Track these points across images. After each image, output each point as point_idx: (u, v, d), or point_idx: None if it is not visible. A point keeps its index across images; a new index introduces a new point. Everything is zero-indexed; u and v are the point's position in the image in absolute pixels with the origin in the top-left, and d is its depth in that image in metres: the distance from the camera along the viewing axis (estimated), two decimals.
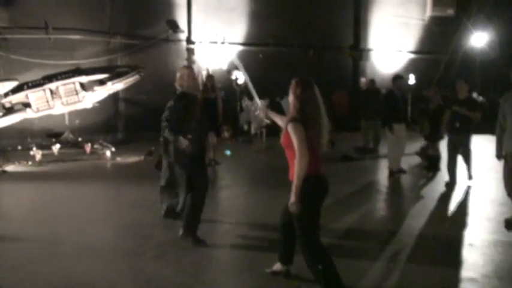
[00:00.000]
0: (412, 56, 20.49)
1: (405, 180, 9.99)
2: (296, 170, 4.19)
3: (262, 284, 4.83)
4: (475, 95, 19.50)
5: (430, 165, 10.57)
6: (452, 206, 8.04)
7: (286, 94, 15.44)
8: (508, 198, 6.93)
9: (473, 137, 9.21)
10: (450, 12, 20.31)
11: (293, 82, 4.45)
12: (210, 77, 11.76)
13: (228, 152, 11.37)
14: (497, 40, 19.29)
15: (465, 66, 19.35)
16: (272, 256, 5.13)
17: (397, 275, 5.09)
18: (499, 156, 6.75)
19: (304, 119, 4.28)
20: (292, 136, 4.24)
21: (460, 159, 9.20)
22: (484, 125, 17.80)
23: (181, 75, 6.48)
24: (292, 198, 4.20)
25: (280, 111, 16.55)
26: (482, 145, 11.78)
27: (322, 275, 4.29)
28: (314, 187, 4.30)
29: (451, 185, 9.04)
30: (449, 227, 6.86)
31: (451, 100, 9.45)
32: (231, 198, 8.88)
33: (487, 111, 18.89)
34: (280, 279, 4.85)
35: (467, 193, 8.78)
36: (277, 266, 4.90)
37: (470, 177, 9.31)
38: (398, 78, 10.56)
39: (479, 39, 19.58)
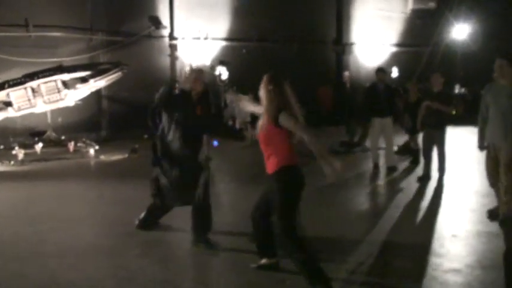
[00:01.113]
0: (394, 49, 20.62)
1: (390, 173, 10.02)
2: (316, 150, 4.29)
3: (249, 279, 4.82)
4: (457, 87, 19.74)
5: (413, 158, 10.64)
6: (435, 198, 8.08)
7: None
8: (490, 189, 6.99)
9: (457, 129, 9.24)
10: (432, 5, 20.48)
11: (265, 77, 4.56)
12: (198, 71, 11.67)
13: (215, 143, 11.33)
14: (479, 32, 19.45)
15: (447, 59, 19.50)
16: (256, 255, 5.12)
17: (381, 265, 5.12)
18: (481, 147, 6.79)
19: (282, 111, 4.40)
20: (288, 125, 4.35)
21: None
22: (466, 117, 18.03)
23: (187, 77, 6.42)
24: (332, 166, 4.27)
25: None
26: (466, 137, 11.88)
27: (307, 264, 4.32)
28: (297, 177, 4.50)
29: (424, 179, 9.02)
30: (432, 218, 6.90)
31: (426, 93, 9.42)
32: (217, 194, 8.84)
33: (469, 104, 19.12)
34: (266, 274, 4.84)
35: (449, 185, 8.84)
36: (264, 261, 4.89)
37: (442, 171, 9.13)
38: (380, 71, 10.54)
39: (460, 31, 19.76)
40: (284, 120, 4.36)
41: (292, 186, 4.48)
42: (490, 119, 6.51)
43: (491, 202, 7.15)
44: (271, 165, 4.50)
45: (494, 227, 6.38)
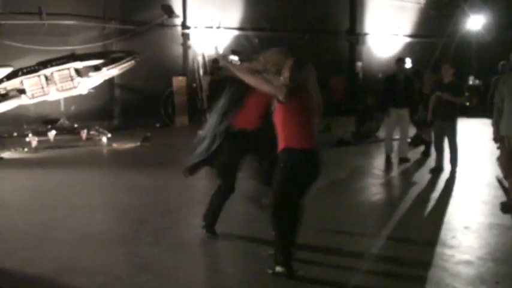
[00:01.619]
0: (408, 39, 20.44)
1: (402, 165, 9.97)
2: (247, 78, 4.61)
3: (261, 267, 4.84)
4: (471, 78, 19.54)
5: (425, 150, 10.57)
6: (447, 189, 8.04)
7: None
8: (504, 181, 6.95)
9: (470, 121, 9.16)
10: None
11: (290, 60, 4.57)
12: (215, 60, 11.70)
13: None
14: (494, 23, 19.23)
15: (461, 50, 19.31)
16: (264, 243, 5.15)
17: (392, 255, 5.11)
18: (496, 139, 6.73)
19: (294, 88, 4.40)
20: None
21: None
22: (480, 108, 17.86)
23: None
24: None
25: None
26: (479, 128, 11.79)
27: (279, 248, 4.50)
28: (296, 159, 4.41)
29: (437, 171, 8.98)
30: (444, 210, 6.87)
31: (437, 85, 9.32)
32: None
33: (482, 95, 18.95)
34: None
35: (461, 177, 8.79)
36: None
37: (454, 163, 9.07)
38: (400, 61, 10.36)
39: (475, 22, 19.53)
40: (277, 87, 4.44)
41: (289, 169, 4.42)
42: (506, 111, 6.45)
43: (504, 194, 7.12)
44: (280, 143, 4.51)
45: (507, 219, 6.35)
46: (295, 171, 4.43)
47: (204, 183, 8.88)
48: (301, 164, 4.43)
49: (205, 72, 15.16)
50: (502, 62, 11.47)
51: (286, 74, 4.45)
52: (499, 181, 7.92)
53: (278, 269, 4.51)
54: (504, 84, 6.55)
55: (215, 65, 11.39)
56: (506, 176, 6.77)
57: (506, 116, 6.45)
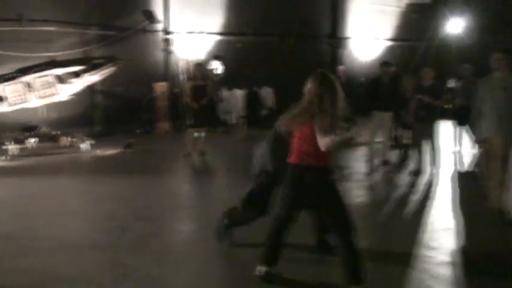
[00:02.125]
0: (389, 43, 20.60)
1: (384, 167, 10.02)
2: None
3: (244, 274, 4.84)
4: (452, 81, 19.72)
5: (404, 153, 10.62)
6: (428, 191, 8.11)
7: (265, 84, 15.60)
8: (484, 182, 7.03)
9: (450, 123, 9.26)
10: None
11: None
12: (198, 65, 11.67)
13: (203, 134, 11.32)
14: (473, 26, 19.46)
15: (442, 53, 19.50)
16: (250, 248, 5.15)
17: (372, 257, 5.13)
18: (477, 141, 6.81)
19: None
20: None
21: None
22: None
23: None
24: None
25: (258, 100, 16.60)
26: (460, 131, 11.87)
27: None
28: (292, 175, 4.50)
29: (418, 173, 9.07)
30: (424, 212, 6.92)
31: (417, 88, 9.42)
32: (209, 189, 8.87)
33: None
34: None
35: (442, 178, 8.87)
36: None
37: (435, 164, 9.20)
38: (385, 64, 10.42)
39: (455, 25, 19.75)
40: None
41: (288, 182, 4.52)
42: (486, 113, 6.54)
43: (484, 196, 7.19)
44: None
45: (487, 220, 6.42)
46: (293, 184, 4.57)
47: (186, 189, 8.89)
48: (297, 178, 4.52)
49: (188, 78, 15.12)
50: (465, 65, 11.62)
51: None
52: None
53: (261, 268, 4.57)
54: (484, 86, 6.64)
55: (198, 70, 11.36)
56: (487, 177, 6.84)
57: (487, 119, 6.53)
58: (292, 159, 4.51)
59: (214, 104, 11.67)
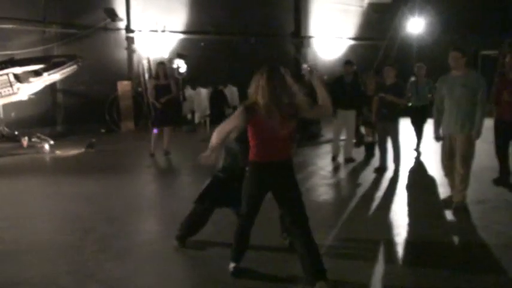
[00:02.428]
0: (352, 42, 20.84)
1: (348, 165, 10.13)
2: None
3: (209, 272, 4.83)
4: (412, 79, 20.09)
5: (367, 151, 10.75)
6: (391, 188, 8.23)
7: (229, 82, 15.57)
8: (445, 179, 7.19)
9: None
10: None
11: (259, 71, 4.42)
12: (161, 64, 11.57)
13: (154, 130, 11.25)
14: (433, 25, 19.85)
15: (403, 52, 19.84)
16: (215, 247, 5.14)
17: (339, 254, 5.19)
18: (437, 138, 6.96)
19: (252, 105, 4.31)
20: None
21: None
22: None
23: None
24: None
25: (223, 99, 16.57)
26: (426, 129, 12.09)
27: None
28: (253, 172, 4.46)
29: (381, 170, 9.22)
30: (387, 208, 7.03)
31: (379, 86, 9.57)
32: (174, 188, 8.81)
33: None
34: (226, 268, 4.84)
35: (405, 175, 9.03)
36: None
37: (397, 162, 9.30)
38: (348, 63, 10.50)
39: (416, 24, 20.10)
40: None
41: (248, 182, 4.50)
42: (446, 110, 6.69)
43: (446, 192, 7.35)
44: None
45: (448, 216, 6.56)
46: (254, 184, 4.58)
47: (150, 189, 8.81)
48: (257, 175, 4.52)
49: (150, 76, 14.99)
50: (418, 64, 11.87)
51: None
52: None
53: (232, 265, 4.68)
54: (443, 84, 6.78)
55: (160, 69, 11.27)
56: (446, 174, 7.00)
57: (447, 116, 6.69)
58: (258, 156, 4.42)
59: (177, 103, 11.60)
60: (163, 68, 11.32)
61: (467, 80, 6.54)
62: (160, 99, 10.85)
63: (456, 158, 6.63)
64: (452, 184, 6.93)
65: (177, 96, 11.38)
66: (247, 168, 4.49)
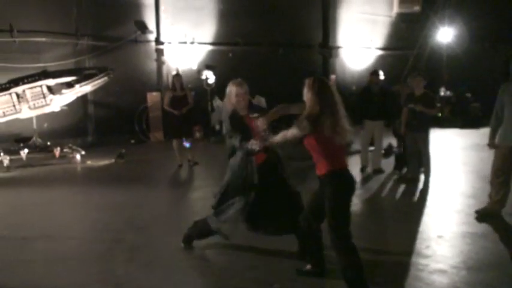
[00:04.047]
0: (380, 52, 20.72)
1: (377, 176, 10.05)
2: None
3: (236, 284, 4.83)
4: (442, 90, 19.88)
5: (397, 162, 10.61)
6: (421, 199, 8.13)
7: (257, 93, 15.58)
8: (475, 190, 7.08)
9: (442, 132, 9.29)
10: (416, 8, 20.62)
11: (308, 80, 4.47)
12: (177, 76, 11.71)
13: (187, 145, 11.31)
14: (463, 35, 19.63)
15: (432, 62, 19.65)
16: (247, 255, 5.15)
17: (367, 265, 5.13)
18: (491, 145, 6.86)
19: (317, 116, 4.32)
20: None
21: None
22: (451, 119, 18.19)
23: (229, 92, 5.55)
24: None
25: (251, 109, 16.61)
26: (450, 138, 11.96)
27: (357, 280, 4.40)
28: (339, 182, 4.44)
29: (411, 181, 9.11)
30: (418, 220, 6.94)
31: (408, 97, 9.47)
32: (202, 198, 8.83)
33: (454, 106, 19.28)
34: (254, 277, 4.85)
35: (435, 186, 8.90)
36: (309, 267, 4.95)
37: (427, 173, 9.22)
38: (374, 74, 10.47)
39: (445, 34, 19.91)
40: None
41: (336, 193, 4.43)
42: (506, 120, 6.60)
43: (477, 203, 7.23)
44: (318, 167, 4.51)
45: (480, 228, 6.45)
46: (345, 192, 4.60)
47: (179, 200, 8.87)
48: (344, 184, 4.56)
49: (167, 88, 14.89)
50: (414, 75, 11.55)
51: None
52: None
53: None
54: (504, 93, 6.69)
55: (177, 81, 11.35)
56: (492, 181, 6.87)
57: (505, 126, 6.60)
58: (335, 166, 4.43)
59: (194, 114, 11.60)
60: (179, 79, 11.42)
61: None
62: (178, 110, 10.93)
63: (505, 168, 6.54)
64: (493, 192, 6.81)
65: (193, 107, 11.39)
66: (322, 178, 4.47)
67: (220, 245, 5.74)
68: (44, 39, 14.49)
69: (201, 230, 5.60)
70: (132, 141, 15.71)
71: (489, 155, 7.07)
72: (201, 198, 8.90)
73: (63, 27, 15.13)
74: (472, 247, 5.75)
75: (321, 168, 4.43)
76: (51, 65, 13.87)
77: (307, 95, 4.41)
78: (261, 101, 16.56)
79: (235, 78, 5.64)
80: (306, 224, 4.77)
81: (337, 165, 4.42)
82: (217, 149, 14.40)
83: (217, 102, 16.17)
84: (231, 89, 5.45)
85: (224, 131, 5.54)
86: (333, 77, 18.14)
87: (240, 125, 5.33)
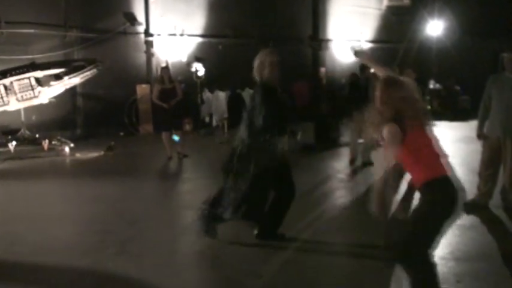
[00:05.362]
0: (370, 45, 20.75)
1: (366, 169, 10.06)
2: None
3: (227, 275, 4.84)
4: (432, 82, 19.99)
5: None
6: (410, 192, 8.14)
7: (247, 85, 15.54)
8: (464, 182, 7.09)
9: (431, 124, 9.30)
10: (406, 1, 20.69)
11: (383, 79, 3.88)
12: (165, 68, 11.66)
13: (175, 138, 11.26)
14: (452, 28, 19.72)
15: (422, 55, 19.73)
16: (238, 247, 5.15)
17: (356, 256, 5.17)
18: (480, 135, 6.90)
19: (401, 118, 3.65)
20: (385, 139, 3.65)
21: None
22: (441, 112, 18.27)
23: (261, 62, 5.29)
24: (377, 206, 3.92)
25: (241, 102, 16.62)
26: (439, 131, 11.98)
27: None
28: (440, 189, 3.75)
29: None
30: (408, 211, 6.96)
31: None
32: (191, 191, 8.83)
33: (443, 99, 19.40)
34: (244, 269, 4.85)
35: None
36: None
37: None
38: (365, 67, 10.50)
39: (435, 27, 19.98)
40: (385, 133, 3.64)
41: (430, 206, 3.71)
42: (493, 111, 6.64)
43: (466, 195, 7.27)
44: (414, 178, 3.88)
45: (468, 219, 6.49)
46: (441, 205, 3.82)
47: (168, 192, 8.85)
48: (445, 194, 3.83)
49: (155, 81, 14.73)
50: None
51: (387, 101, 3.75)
52: None
53: None
54: (492, 84, 6.74)
55: (165, 73, 11.30)
56: (480, 173, 6.92)
57: (492, 117, 6.65)
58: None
59: (183, 106, 11.55)
60: (167, 72, 11.38)
61: None
62: (166, 102, 10.88)
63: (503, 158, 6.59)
64: (481, 183, 6.86)
65: (182, 100, 11.34)
66: (420, 189, 3.79)
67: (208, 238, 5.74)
68: (32, 30, 14.37)
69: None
70: (122, 133, 15.65)
71: (478, 148, 7.11)
72: (190, 190, 8.90)
73: (51, 19, 15.01)
74: (460, 238, 5.79)
75: (420, 176, 3.74)
76: (40, 57, 13.77)
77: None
78: (250, 93, 16.57)
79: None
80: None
81: (439, 171, 3.74)
82: (207, 141, 14.41)
83: (206, 94, 16.14)
84: (264, 59, 5.22)
85: (248, 106, 5.19)
86: (322, 69, 18.16)
87: (274, 99, 5.10)
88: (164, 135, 11.15)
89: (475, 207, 6.79)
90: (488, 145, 6.75)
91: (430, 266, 3.74)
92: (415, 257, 3.70)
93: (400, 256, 3.80)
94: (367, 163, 10.22)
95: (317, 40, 19.89)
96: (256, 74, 5.29)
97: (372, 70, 10.47)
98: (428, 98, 10.80)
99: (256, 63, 5.23)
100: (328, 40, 20.21)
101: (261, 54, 5.23)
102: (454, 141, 12.80)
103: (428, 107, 10.96)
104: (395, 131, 3.58)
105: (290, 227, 5.58)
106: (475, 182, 7.14)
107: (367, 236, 5.93)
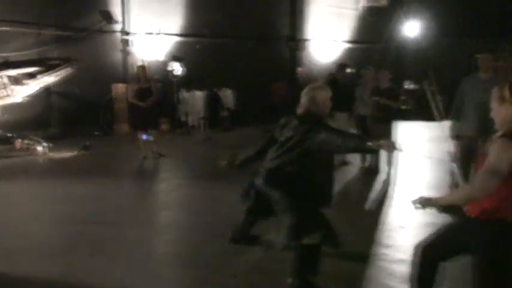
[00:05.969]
0: (347, 45, 20.87)
1: (342, 169, 10.10)
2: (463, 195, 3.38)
3: (202, 274, 4.82)
4: (407, 83, 20.15)
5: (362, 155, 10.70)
6: (384, 190, 8.23)
7: (224, 85, 15.53)
8: (439, 182, 7.20)
9: (407, 124, 9.39)
10: (383, 2, 20.83)
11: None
12: (141, 67, 11.56)
13: (144, 137, 11.13)
14: (429, 29, 19.91)
15: (399, 55, 19.89)
16: (209, 248, 5.13)
17: (328, 255, 5.17)
18: (453, 136, 6.99)
19: None
20: (490, 155, 3.07)
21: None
22: (416, 112, 18.41)
23: (311, 98, 4.88)
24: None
25: (218, 102, 16.54)
26: (414, 130, 12.14)
27: None
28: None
29: (373, 172, 9.25)
30: (380, 210, 7.03)
31: (374, 89, 9.59)
32: (167, 191, 8.79)
33: (419, 99, 19.57)
34: (219, 270, 4.83)
35: (398, 177, 9.03)
36: None
37: (390, 164, 9.36)
38: (343, 67, 10.62)
39: (411, 28, 20.16)
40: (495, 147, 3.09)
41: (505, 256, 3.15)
42: (466, 112, 6.73)
43: (439, 194, 7.34)
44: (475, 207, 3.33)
45: (441, 218, 6.55)
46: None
47: (142, 192, 8.78)
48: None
49: (132, 80, 14.43)
50: (366, 68, 11.48)
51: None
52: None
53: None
54: (465, 85, 6.83)
55: (141, 72, 11.21)
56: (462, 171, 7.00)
57: (464, 117, 6.74)
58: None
59: (158, 106, 11.47)
60: (143, 70, 11.31)
61: (491, 84, 6.55)
62: (142, 101, 10.79)
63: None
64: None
65: (158, 99, 11.26)
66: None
67: (185, 237, 5.72)
68: (5, 28, 14.11)
69: None
70: (97, 133, 15.48)
71: (452, 147, 7.19)
72: (165, 190, 8.86)
73: (26, 17, 14.75)
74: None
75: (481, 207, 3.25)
76: (13, 55, 13.53)
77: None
78: (227, 94, 16.56)
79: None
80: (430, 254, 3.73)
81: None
82: (184, 141, 14.34)
83: (183, 93, 16.07)
84: (321, 94, 4.95)
85: (311, 143, 4.80)
86: (300, 69, 18.17)
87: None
88: (139, 134, 11.06)
89: (448, 207, 6.84)
90: (461, 145, 6.84)
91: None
92: None
93: None
94: (343, 163, 10.28)
95: (295, 40, 19.94)
96: (304, 107, 4.95)
97: (349, 70, 10.62)
98: (403, 98, 10.87)
99: (308, 97, 4.88)
100: (306, 40, 20.27)
101: (313, 90, 4.92)
102: (429, 140, 12.95)
103: (404, 107, 11.03)
104: (508, 147, 2.94)
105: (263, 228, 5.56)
106: (448, 181, 7.24)
107: (339, 235, 5.97)
